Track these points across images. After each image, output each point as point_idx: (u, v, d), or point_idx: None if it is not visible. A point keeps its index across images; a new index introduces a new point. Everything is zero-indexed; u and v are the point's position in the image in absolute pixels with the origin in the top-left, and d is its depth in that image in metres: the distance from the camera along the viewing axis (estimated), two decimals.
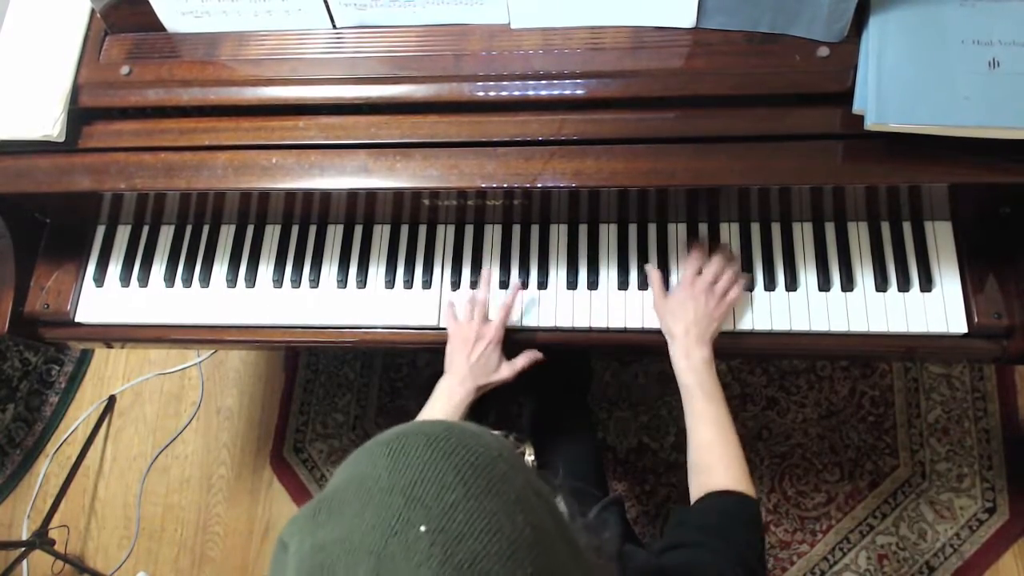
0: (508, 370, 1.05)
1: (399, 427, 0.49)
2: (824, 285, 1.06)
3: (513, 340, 1.10)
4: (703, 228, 1.11)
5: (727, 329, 1.05)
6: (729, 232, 1.10)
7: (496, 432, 0.60)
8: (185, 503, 1.87)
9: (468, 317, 1.07)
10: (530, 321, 1.10)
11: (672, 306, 1.02)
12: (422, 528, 0.41)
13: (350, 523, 0.43)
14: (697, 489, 0.90)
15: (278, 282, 1.16)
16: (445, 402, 1.01)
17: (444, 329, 1.11)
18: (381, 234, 1.17)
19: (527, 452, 0.61)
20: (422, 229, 1.16)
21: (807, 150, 0.94)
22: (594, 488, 1.12)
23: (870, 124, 0.87)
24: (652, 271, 1.07)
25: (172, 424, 1.94)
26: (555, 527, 0.47)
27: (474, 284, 1.12)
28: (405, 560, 0.40)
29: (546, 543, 0.44)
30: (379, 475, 0.45)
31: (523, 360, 1.06)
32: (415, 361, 1.86)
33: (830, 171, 0.94)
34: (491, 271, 1.10)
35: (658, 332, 1.06)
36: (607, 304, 1.09)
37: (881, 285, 1.05)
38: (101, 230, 1.22)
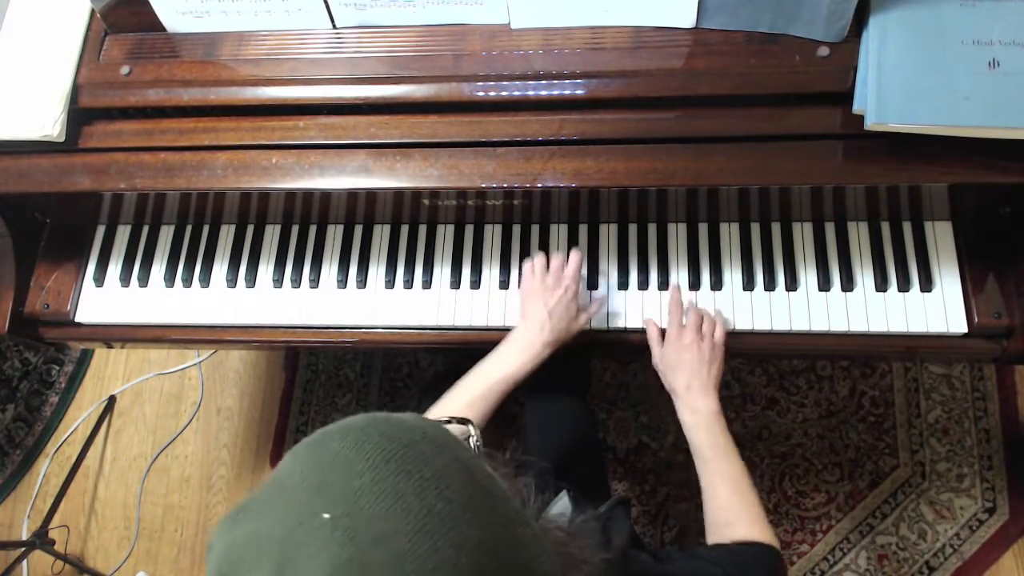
0: (584, 317, 1.01)
1: (328, 426, 0.49)
2: (824, 285, 1.06)
3: None
4: (703, 228, 1.11)
5: (727, 328, 1.05)
6: (729, 232, 1.10)
7: (441, 420, 0.60)
8: (185, 503, 1.87)
9: (543, 270, 1.02)
10: None
11: (669, 362, 1.00)
12: (326, 515, 0.41)
13: (262, 518, 0.44)
14: (717, 541, 0.88)
15: (278, 282, 1.16)
16: (520, 349, 0.95)
17: (444, 329, 1.11)
18: (381, 234, 1.17)
19: (472, 436, 0.61)
20: (422, 229, 1.16)
21: (807, 150, 0.94)
22: (596, 488, 1.12)
23: (870, 124, 0.87)
24: (650, 326, 1.04)
25: (172, 424, 1.94)
26: (487, 502, 0.46)
27: (474, 284, 1.12)
28: (307, 546, 0.41)
29: (469, 517, 0.43)
30: (295, 471, 0.45)
31: (596, 305, 1.03)
32: (416, 361, 1.86)
33: (830, 171, 0.94)
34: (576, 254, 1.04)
35: (658, 332, 1.07)
36: (607, 304, 1.09)
37: (881, 285, 1.05)
38: (101, 230, 1.22)
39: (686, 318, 1.02)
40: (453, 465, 0.46)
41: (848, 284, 1.05)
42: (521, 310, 1.02)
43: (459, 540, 0.42)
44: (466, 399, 0.94)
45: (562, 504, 0.95)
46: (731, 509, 0.89)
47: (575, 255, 1.02)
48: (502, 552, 0.45)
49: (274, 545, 0.41)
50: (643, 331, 1.08)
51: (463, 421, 0.67)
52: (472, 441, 0.63)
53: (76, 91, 1.05)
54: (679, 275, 1.09)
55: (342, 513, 0.41)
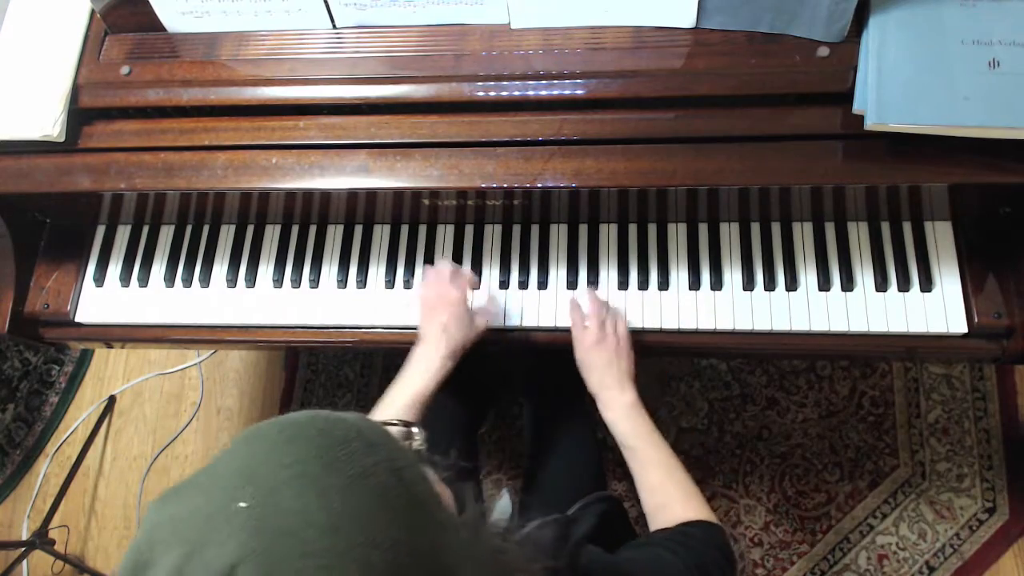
0: (481, 320, 1.04)
1: (274, 418, 0.49)
2: (824, 285, 1.06)
3: (513, 340, 1.10)
4: (703, 228, 1.11)
5: (727, 328, 1.06)
6: (729, 232, 1.10)
7: (388, 421, 0.62)
8: None
9: (435, 278, 1.05)
10: (530, 321, 1.10)
11: (581, 358, 1.02)
12: (242, 504, 0.42)
13: (186, 502, 0.44)
14: (659, 527, 0.89)
15: (278, 282, 1.16)
16: (423, 370, 0.97)
17: None
18: (381, 234, 1.17)
19: (415, 439, 0.62)
20: (422, 229, 1.16)
21: (807, 150, 0.94)
22: (595, 489, 1.12)
23: (870, 124, 0.87)
24: (572, 311, 1.05)
25: (172, 424, 1.94)
26: (414, 506, 0.46)
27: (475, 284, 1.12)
28: (218, 533, 0.41)
29: (391, 518, 0.44)
30: (228, 459, 0.46)
31: (490, 306, 1.06)
32: None
33: (830, 171, 0.94)
34: (446, 261, 1.08)
35: (658, 332, 1.07)
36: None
37: (881, 285, 1.05)
38: (101, 230, 1.22)
39: (590, 319, 1.02)
40: (383, 466, 0.46)
41: (848, 284, 1.05)
42: (420, 330, 1.03)
43: (376, 540, 0.42)
44: (395, 414, 0.95)
45: (503, 504, 0.96)
46: (664, 491, 0.91)
47: (463, 272, 1.05)
48: (423, 556, 0.45)
49: (190, 529, 0.42)
50: (643, 331, 1.08)
51: (408, 424, 0.68)
52: (414, 444, 0.64)
53: (76, 91, 1.05)
54: (679, 275, 1.09)
55: (258, 504, 0.42)
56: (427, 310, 1.02)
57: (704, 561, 0.78)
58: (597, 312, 1.02)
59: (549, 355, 1.09)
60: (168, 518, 0.44)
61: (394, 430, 0.56)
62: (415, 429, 0.67)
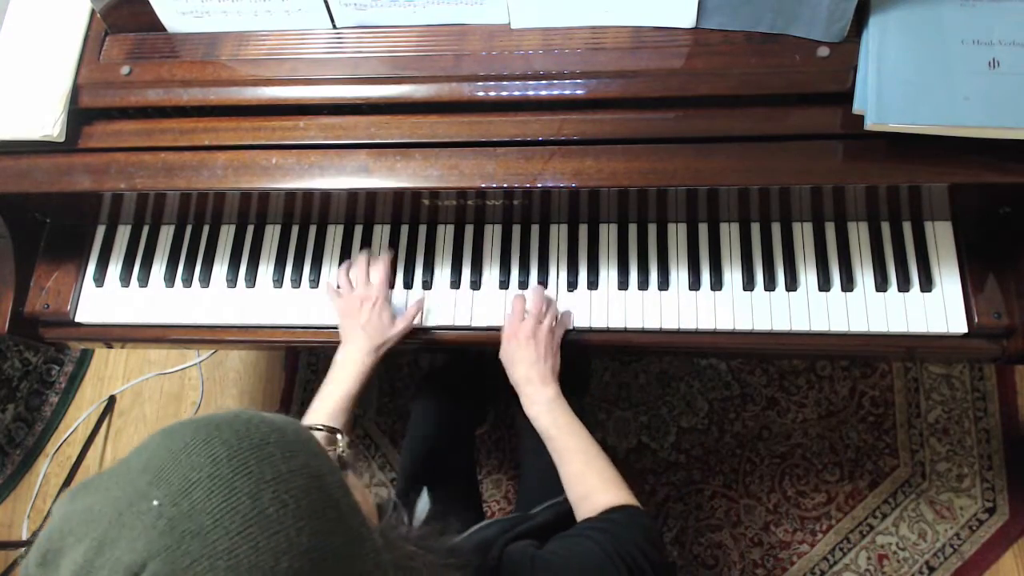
0: (403, 322, 1.06)
1: (195, 416, 0.50)
2: (824, 285, 1.06)
3: None
4: (703, 228, 1.11)
5: (727, 328, 1.06)
6: (729, 232, 1.10)
7: (313, 426, 0.63)
8: None
9: (348, 289, 1.09)
10: None
11: (509, 356, 1.03)
12: (155, 502, 0.42)
13: (99, 495, 0.44)
14: (584, 516, 0.89)
15: (278, 282, 1.16)
16: (350, 369, 1.00)
17: (444, 330, 1.11)
18: (381, 234, 1.17)
19: (339, 445, 0.64)
20: (422, 229, 1.16)
21: (807, 150, 0.94)
22: None
23: (870, 124, 0.87)
24: (516, 301, 1.06)
25: None
26: (328, 512, 0.47)
27: (474, 284, 1.12)
28: (130, 529, 0.42)
29: (302, 524, 0.44)
30: (143, 455, 0.46)
31: (413, 308, 1.08)
32: (416, 361, 1.86)
33: (830, 171, 0.94)
34: (366, 253, 1.10)
35: (658, 332, 1.06)
36: (607, 304, 1.09)
37: (881, 285, 1.05)
38: (101, 230, 1.22)
39: (529, 312, 1.04)
40: (301, 471, 0.46)
41: (848, 284, 1.05)
42: (340, 333, 1.06)
43: (284, 545, 0.43)
44: (324, 419, 0.97)
45: (422, 503, 0.98)
46: (585, 480, 0.92)
47: (379, 265, 1.07)
48: (331, 562, 0.45)
49: (102, 522, 0.42)
50: (643, 331, 1.08)
51: (333, 430, 0.69)
52: (337, 450, 0.65)
53: (76, 91, 1.05)
54: (679, 275, 1.09)
55: (170, 503, 0.42)
56: (343, 314, 1.06)
57: (625, 545, 0.78)
58: (539, 308, 1.04)
59: None
60: (81, 510, 0.44)
61: (319, 435, 0.57)
62: (339, 436, 0.69)
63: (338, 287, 1.11)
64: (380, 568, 0.50)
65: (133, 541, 0.41)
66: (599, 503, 0.87)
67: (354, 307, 1.05)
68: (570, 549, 0.79)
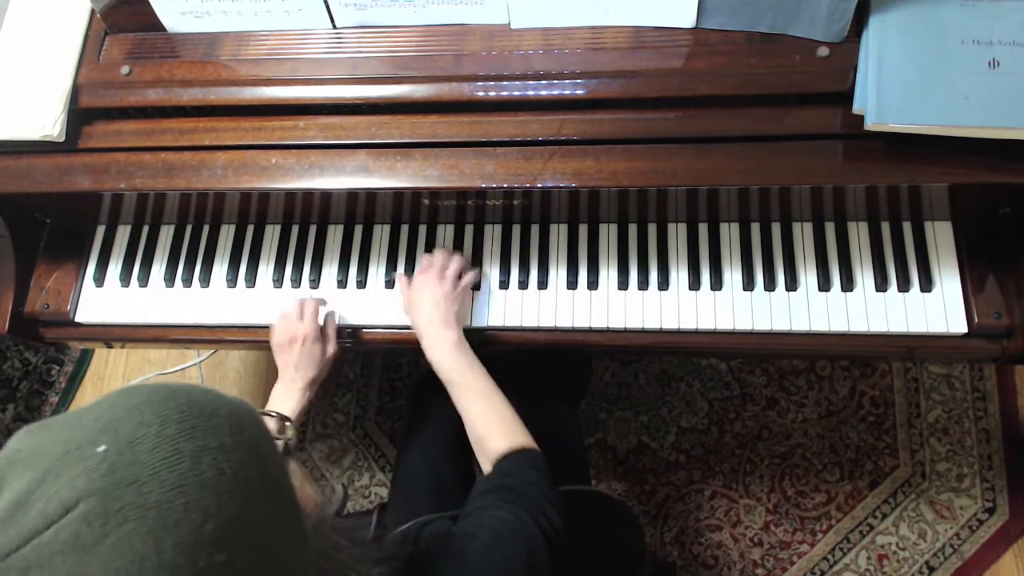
0: (332, 347, 1.09)
1: (159, 382, 0.52)
2: (824, 285, 1.06)
3: (513, 341, 1.10)
4: (703, 228, 1.11)
5: (727, 328, 1.06)
6: (729, 232, 1.10)
7: (267, 412, 0.66)
8: None
9: (282, 329, 1.09)
10: (530, 321, 1.10)
11: (411, 298, 1.05)
12: (101, 447, 0.44)
13: (51, 435, 0.46)
14: (484, 463, 0.92)
15: (278, 282, 1.16)
16: (288, 405, 1.03)
17: None
18: (381, 234, 1.17)
19: (287, 433, 0.66)
20: (422, 229, 1.16)
21: (807, 150, 0.94)
22: (571, 482, 1.12)
23: (870, 124, 0.87)
24: (399, 277, 1.11)
25: None
26: (264, 488, 0.49)
27: (475, 284, 1.12)
28: (72, 468, 0.43)
29: (234, 494, 0.46)
30: (101, 408, 0.48)
31: (330, 328, 1.09)
32: (416, 361, 1.86)
33: (830, 171, 0.94)
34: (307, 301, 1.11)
35: (658, 332, 1.06)
36: (607, 304, 1.09)
37: (881, 285, 1.05)
38: (101, 230, 1.22)
39: (436, 258, 1.07)
40: (244, 445, 0.48)
41: (848, 284, 1.05)
42: (278, 366, 1.08)
43: (214, 508, 0.44)
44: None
45: (336, 497, 0.99)
46: (485, 420, 0.93)
47: (309, 305, 1.09)
48: (256, 536, 0.47)
49: (49, 459, 0.44)
50: (643, 331, 1.08)
51: (284, 418, 0.70)
52: (284, 437, 0.65)
53: (76, 91, 1.05)
54: (679, 275, 1.09)
55: (116, 451, 0.44)
56: (278, 352, 1.08)
57: (527, 496, 0.81)
58: (446, 259, 1.07)
59: (549, 355, 1.09)
60: (30, 445, 0.46)
61: (269, 422, 0.60)
62: (287, 424, 0.74)
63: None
64: (303, 552, 0.52)
65: (73, 479, 0.43)
66: (495, 447, 0.89)
67: (284, 346, 1.07)
68: (481, 520, 0.79)
